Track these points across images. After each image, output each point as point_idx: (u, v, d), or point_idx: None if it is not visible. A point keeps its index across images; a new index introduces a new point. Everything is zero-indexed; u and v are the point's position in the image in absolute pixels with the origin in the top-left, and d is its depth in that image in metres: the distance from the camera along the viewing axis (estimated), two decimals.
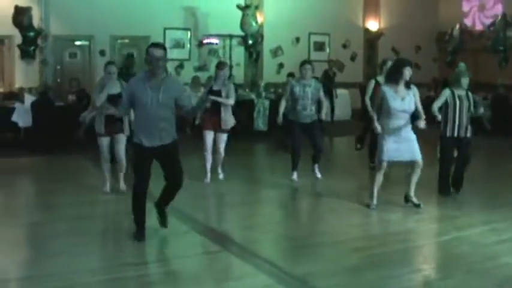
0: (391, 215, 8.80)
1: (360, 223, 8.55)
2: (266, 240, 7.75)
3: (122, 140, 9.63)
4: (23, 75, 16.45)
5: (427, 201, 9.19)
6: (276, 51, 19.83)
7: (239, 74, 18.55)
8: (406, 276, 6.44)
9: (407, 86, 8.74)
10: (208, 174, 10.59)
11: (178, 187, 7.44)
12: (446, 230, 8.22)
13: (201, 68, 18.55)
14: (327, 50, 21.16)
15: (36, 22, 16.14)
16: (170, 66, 18.02)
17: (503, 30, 19.58)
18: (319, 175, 11.01)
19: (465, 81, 9.70)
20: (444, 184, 9.90)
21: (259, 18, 18.59)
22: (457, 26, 21.48)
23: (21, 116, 14.29)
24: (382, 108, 8.72)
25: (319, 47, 20.94)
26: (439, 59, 23.16)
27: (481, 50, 20.50)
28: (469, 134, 9.81)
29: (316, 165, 11.03)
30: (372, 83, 11.46)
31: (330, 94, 14.48)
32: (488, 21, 21.24)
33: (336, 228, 8.18)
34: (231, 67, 18.24)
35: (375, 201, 9.01)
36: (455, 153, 10.01)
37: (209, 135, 10.47)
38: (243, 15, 17.77)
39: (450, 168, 9.94)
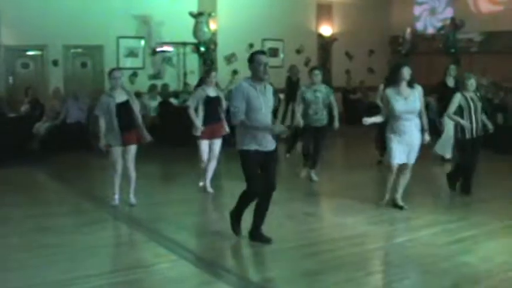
0: (346, 218, 8.88)
1: (316, 228, 8.61)
2: (223, 248, 7.76)
3: (134, 150, 9.53)
4: None
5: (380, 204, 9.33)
6: (230, 58, 19.84)
7: (193, 82, 18.50)
8: (363, 279, 6.51)
9: (411, 85, 8.96)
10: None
11: (272, 194, 7.62)
12: (400, 232, 8.36)
13: (156, 76, 18.46)
14: (281, 55, 21.24)
15: None
16: (124, 75, 17.98)
17: (453, 33, 19.89)
18: (316, 178, 11.45)
19: (471, 82, 9.93)
20: (468, 184, 10.21)
21: (213, 25, 18.58)
22: (408, 30, 21.77)
23: None
24: (389, 111, 8.93)
25: (273, 53, 20.97)
26: (392, 63, 23.41)
27: (433, 53, 20.81)
28: (480, 134, 10.05)
29: (313, 170, 11.48)
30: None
31: (293, 100, 14.53)
32: (439, 25, 21.56)
33: (293, 233, 8.22)
34: (185, 74, 18.33)
35: (385, 200, 9.37)
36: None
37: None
38: (196, 23, 17.74)
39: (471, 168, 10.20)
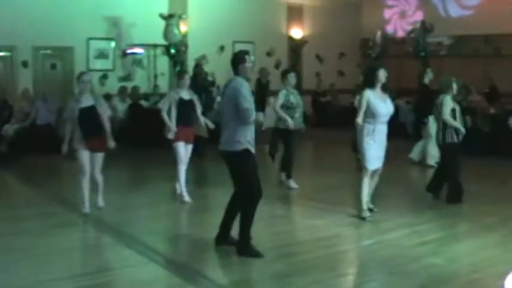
0: (316, 221, 8.92)
1: (286, 230, 8.65)
2: (194, 251, 7.76)
3: (101, 157, 9.33)
4: None
5: (351, 206, 9.36)
6: (200, 60, 19.76)
7: (164, 84, 18.49)
8: (331, 281, 6.54)
9: (383, 89, 8.88)
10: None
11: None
12: (370, 234, 8.39)
13: (126, 78, 18.37)
14: (252, 58, 21.17)
15: None
16: (94, 77, 17.89)
17: (423, 36, 20.05)
18: (295, 185, 11.21)
19: (456, 86, 9.93)
20: (459, 192, 9.98)
21: (183, 27, 18.53)
22: (379, 33, 21.90)
23: None
24: (369, 113, 8.69)
25: None
26: (363, 66, 23.53)
27: (404, 56, 20.97)
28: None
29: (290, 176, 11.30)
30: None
31: (262, 103, 14.47)
32: (409, 28, 21.73)
33: (263, 236, 8.19)
34: (155, 76, 18.31)
35: (367, 212, 8.95)
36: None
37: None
38: (167, 25, 17.69)
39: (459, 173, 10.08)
